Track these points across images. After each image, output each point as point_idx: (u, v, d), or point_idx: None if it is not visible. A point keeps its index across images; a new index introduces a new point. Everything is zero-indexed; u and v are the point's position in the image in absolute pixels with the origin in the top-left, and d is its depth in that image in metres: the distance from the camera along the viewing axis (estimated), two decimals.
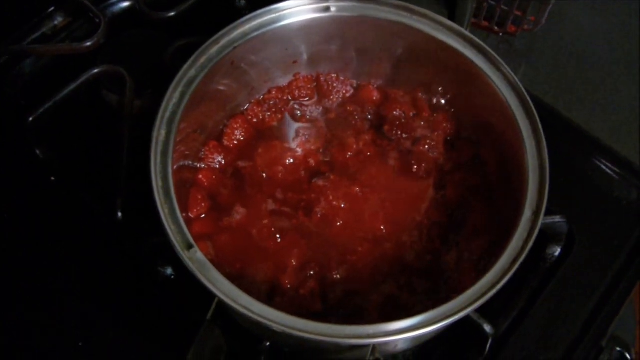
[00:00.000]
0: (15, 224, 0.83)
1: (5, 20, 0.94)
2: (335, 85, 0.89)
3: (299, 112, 0.89)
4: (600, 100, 0.97)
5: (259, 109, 0.87)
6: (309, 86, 0.89)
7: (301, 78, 0.88)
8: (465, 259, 0.76)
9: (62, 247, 0.81)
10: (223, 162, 0.83)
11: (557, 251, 0.82)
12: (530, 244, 0.65)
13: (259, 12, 0.78)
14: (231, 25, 0.77)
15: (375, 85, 0.90)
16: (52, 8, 0.98)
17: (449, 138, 0.86)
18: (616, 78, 1.00)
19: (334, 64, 0.88)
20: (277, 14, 0.79)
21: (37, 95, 0.87)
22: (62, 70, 0.92)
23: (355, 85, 0.90)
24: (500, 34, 1.04)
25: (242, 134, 0.85)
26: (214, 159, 0.83)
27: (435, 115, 0.87)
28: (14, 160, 0.87)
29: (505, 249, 0.65)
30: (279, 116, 0.88)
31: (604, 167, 0.88)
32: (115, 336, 0.76)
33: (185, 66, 0.74)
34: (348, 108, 0.88)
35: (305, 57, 0.86)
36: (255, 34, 0.77)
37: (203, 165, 0.82)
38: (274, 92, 0.87)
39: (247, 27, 0.77)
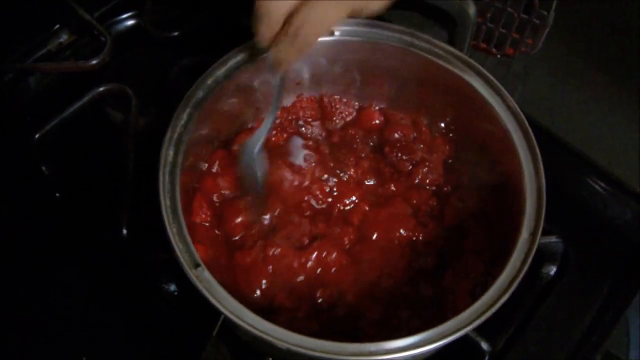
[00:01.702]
0: (20, 239, 0.83)
1: (10, 37, 0.95)
2: (337, 106, 0.90)
3: (303, 131, 0.90)
4: (596, 122, 0.99)
5: None
6: (313, 107, 0.90)
7: (304, 99, 0.90)
8: (461, 281, 0.77)
9: (66, 262, 0.82)
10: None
11: (553, 270, 0.83)
12: (527, 265, 0.66)
13: None
14: (238, 48, 0.78)
15: (377, 108, 0.91)
16: (58, 26, 0.99)
17: (450, 161, 0.87)
18: (611, 100, 1.02)
19: (336, 86, 0.89)
20: None
21: (43, 112, 0.88)
22: (68, 87, 0.94)
23: (357, 107, 0.91)
24: (498, 56, 1.06)
25: None
26: (222, 166, 0.84)
27: (434, 138, 0.88)
28: (20, 176, 0.87)
29: (503, 269, 0.66)
30: (285, 135, 0.89)
31: (598, 187, 0.89)
32: (120, 351, 0.77)
33: (193, 87, 0.75)
34: (350, 131, 0.90)
35: (308, 78, 0.87)
36: (261, 56, 0.79)
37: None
38: (278, 112, 0.89)
39: (253, 49, 0.79)
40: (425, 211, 0.84)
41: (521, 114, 0.76)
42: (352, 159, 0.87)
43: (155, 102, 0.91)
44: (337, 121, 0.91)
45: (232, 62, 0.78)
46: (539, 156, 0.73)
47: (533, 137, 0.74)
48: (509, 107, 0.77)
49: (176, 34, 0.99)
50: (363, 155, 0.88)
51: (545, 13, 0.97)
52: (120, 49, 0.96)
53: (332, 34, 0.80)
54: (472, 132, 0.83)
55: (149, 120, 0.90)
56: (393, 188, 0.85)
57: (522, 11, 0.98)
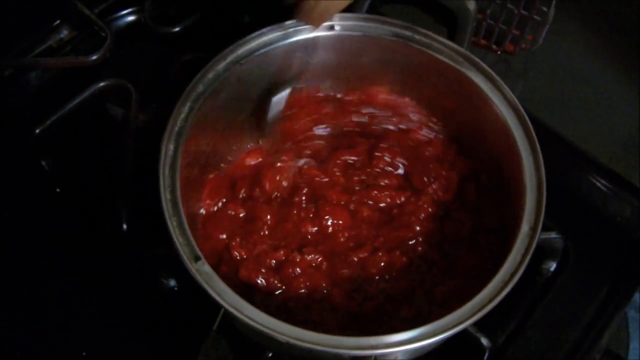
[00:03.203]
0: (20, 235, 0.83)
1: (11, 32, 0.95)
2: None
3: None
4: (596, 119, 0.99)
5: None
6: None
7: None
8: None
9: (67, 258, 0.82)
10: None
11: (553, 266, 0.84)
12: (528, 258, 0.66)
13: (265, 29, 0.79)
14: (238, 42, 0.78)
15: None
16: (58, 21, 0.99)
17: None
18: (611, 96, 1.02)
19: (338, 80, 0.89)
20: (283, 32, 0.80)
21: (43, 107, 0.88)
22: (68, 83, 0.93)
23: None
24: (499, 53, 1.06)
25: None
26: None
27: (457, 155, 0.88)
28: (20, 171, 0.87)
29: (504, 263, 0.66)
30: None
31: (599, 184, 0.90)
32: (120, 346, 0.77)
33: (193, 81, 0.75)
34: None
35: (309, 73, 0.87)
36: (262, 50, 0.79)
37: None
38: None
39: (253, 44, 0.79)
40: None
41: (522, 109, 0.76)
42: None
43: (155, 97, 0.91)
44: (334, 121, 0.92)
45: (232, 57, 0.78)
46: (539, 150, 0.73)
47: (533, 132, 0.74)
48: (509, 103, 0.76)
49: (177, 29, 0.99)
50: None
51: (545, 9, 0.97)
52: (120, 44, 0.96)
53: (332, 28, 0.81)
54: (474, 129, 0.83)
55: (149, 116, 0.90)
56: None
57: (522, 8, 0.98)
